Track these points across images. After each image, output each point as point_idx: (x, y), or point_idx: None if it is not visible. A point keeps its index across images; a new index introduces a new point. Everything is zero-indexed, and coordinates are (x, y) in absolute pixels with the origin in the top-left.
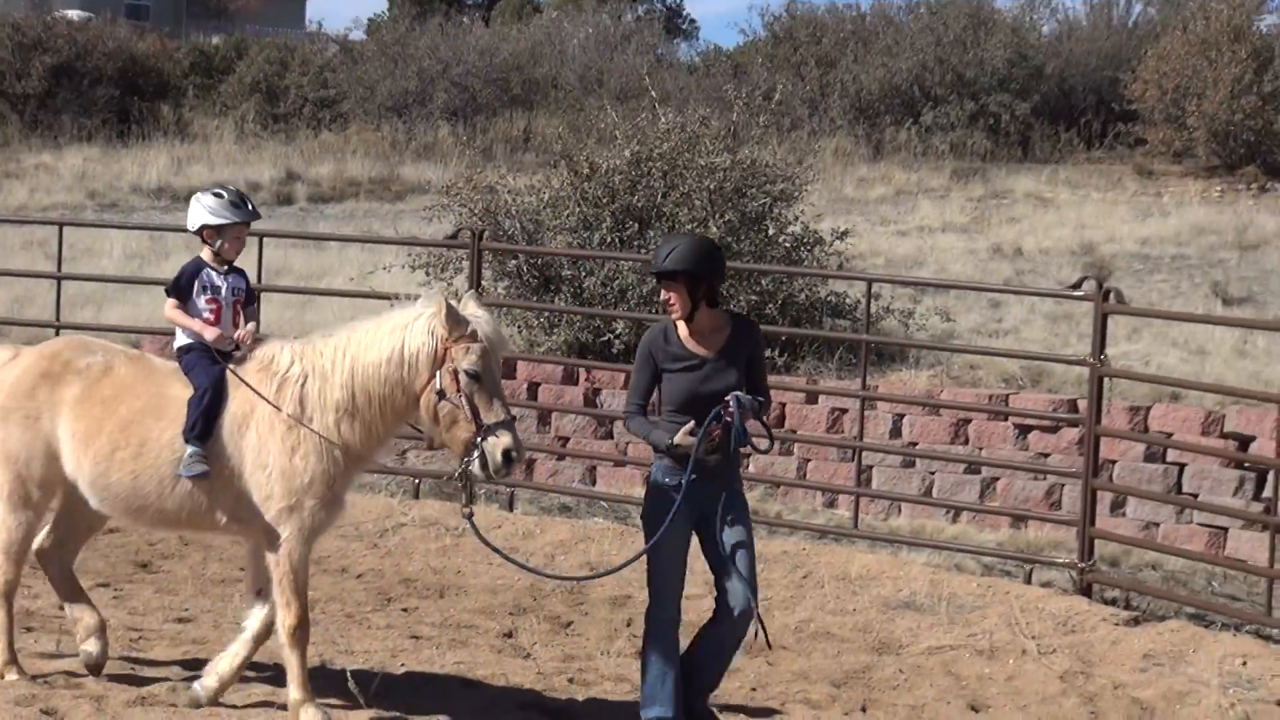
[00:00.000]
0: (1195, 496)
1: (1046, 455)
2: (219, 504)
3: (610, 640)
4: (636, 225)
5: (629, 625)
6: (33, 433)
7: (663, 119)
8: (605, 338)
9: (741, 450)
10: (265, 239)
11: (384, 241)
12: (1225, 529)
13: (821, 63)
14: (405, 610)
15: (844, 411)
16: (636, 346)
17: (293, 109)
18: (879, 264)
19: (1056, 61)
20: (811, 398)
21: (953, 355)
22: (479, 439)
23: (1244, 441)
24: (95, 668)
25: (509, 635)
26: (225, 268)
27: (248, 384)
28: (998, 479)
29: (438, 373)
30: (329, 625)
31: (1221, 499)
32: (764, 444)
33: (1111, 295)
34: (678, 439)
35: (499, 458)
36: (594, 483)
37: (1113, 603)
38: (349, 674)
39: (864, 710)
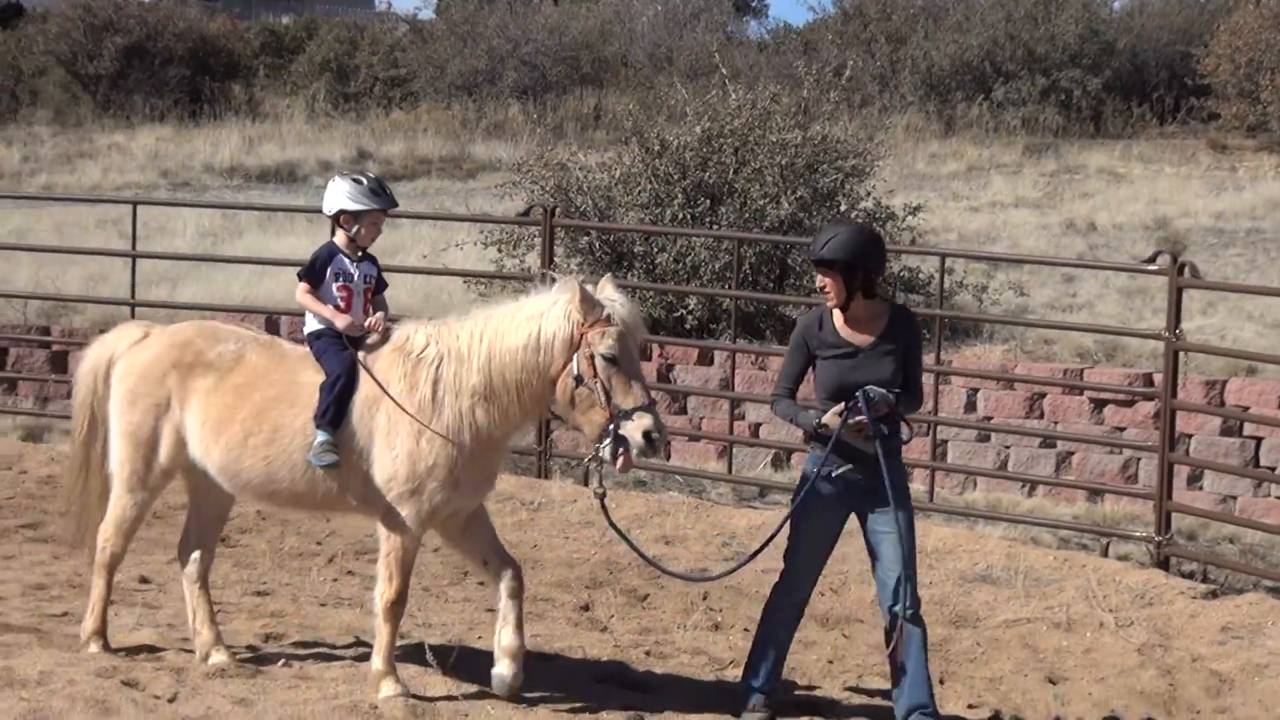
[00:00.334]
0: (1273, 470)
1: (1122, 429)
2: (350, 487)
3: (686, 614)
4: (708, 201)
5: (705, 599)
6: (161, 419)
7: (733, 96)
8: (678, 313)
9: (901, 441)
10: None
11: (456, 219)
12: None
13: (892, 39)
14: (481, 584)
15: None
16: (708, 322)
17: (363, 88)
18: (951, 239)
19: (1128, 37)
20: None
21: (1027, 330)
22: (615, 423)
23: None
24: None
25: (586, 609)
26: (359, 254)
27: (374, 377)
28: (1073, 453)
29: (574, 357)
30: (407, 599)
31: None
32: (905, 435)
33: (1186, 269)
34: (826, 419)
35: (640, 439)
36: (668, 457)
37: (1190, 576)
38: (427, 646)
39: (941, 683)
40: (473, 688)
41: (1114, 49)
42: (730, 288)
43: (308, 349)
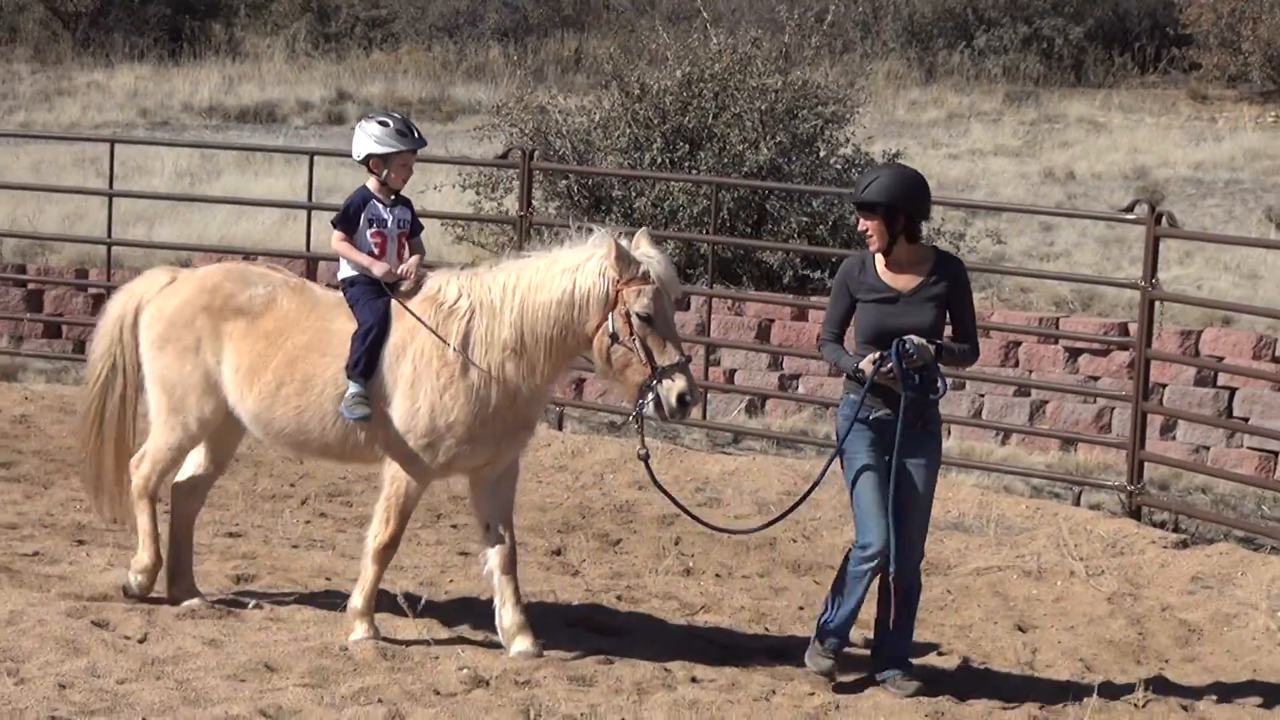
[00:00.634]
0: (1246, 420)
1: (1096, 378)
2: (378, 438)
3: (658, 558)
4: (687, 146)
5: (677, 544)
6: (191, 364)
7: (714, 40)
8: None
9: (934, 393)
10: (316, 157)
11: (435, 161)
12: (1276, 453)
13: None
14: (455, 527)
15: None
16: (685, 267)
17: (344, 28)
18: (930, 187)
19: None
20: None
21: (1004, 278)
22: (653, 381)
23: None
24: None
25: (558, 553)
26: (392, 198)
27: (418, 318)
28: (1047, 402)
29: (610, 315)
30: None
31: (1272, 423)
32: (940, 387)
33: (1164, 219)
34: (862, 364)
35: (674, 401)
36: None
37: (1162, 525)
38: (401, 592)
39: None
40: (444, 632)
41: None
42: (708, 233)
43: (340, 295)
